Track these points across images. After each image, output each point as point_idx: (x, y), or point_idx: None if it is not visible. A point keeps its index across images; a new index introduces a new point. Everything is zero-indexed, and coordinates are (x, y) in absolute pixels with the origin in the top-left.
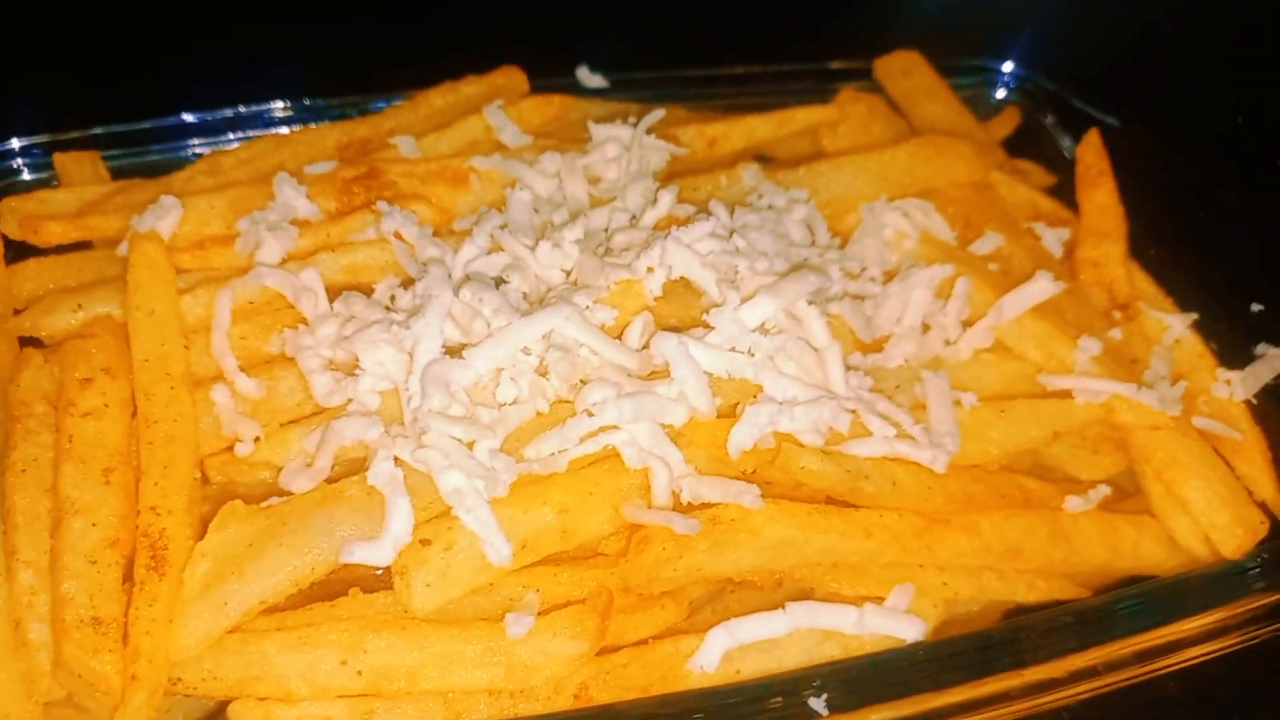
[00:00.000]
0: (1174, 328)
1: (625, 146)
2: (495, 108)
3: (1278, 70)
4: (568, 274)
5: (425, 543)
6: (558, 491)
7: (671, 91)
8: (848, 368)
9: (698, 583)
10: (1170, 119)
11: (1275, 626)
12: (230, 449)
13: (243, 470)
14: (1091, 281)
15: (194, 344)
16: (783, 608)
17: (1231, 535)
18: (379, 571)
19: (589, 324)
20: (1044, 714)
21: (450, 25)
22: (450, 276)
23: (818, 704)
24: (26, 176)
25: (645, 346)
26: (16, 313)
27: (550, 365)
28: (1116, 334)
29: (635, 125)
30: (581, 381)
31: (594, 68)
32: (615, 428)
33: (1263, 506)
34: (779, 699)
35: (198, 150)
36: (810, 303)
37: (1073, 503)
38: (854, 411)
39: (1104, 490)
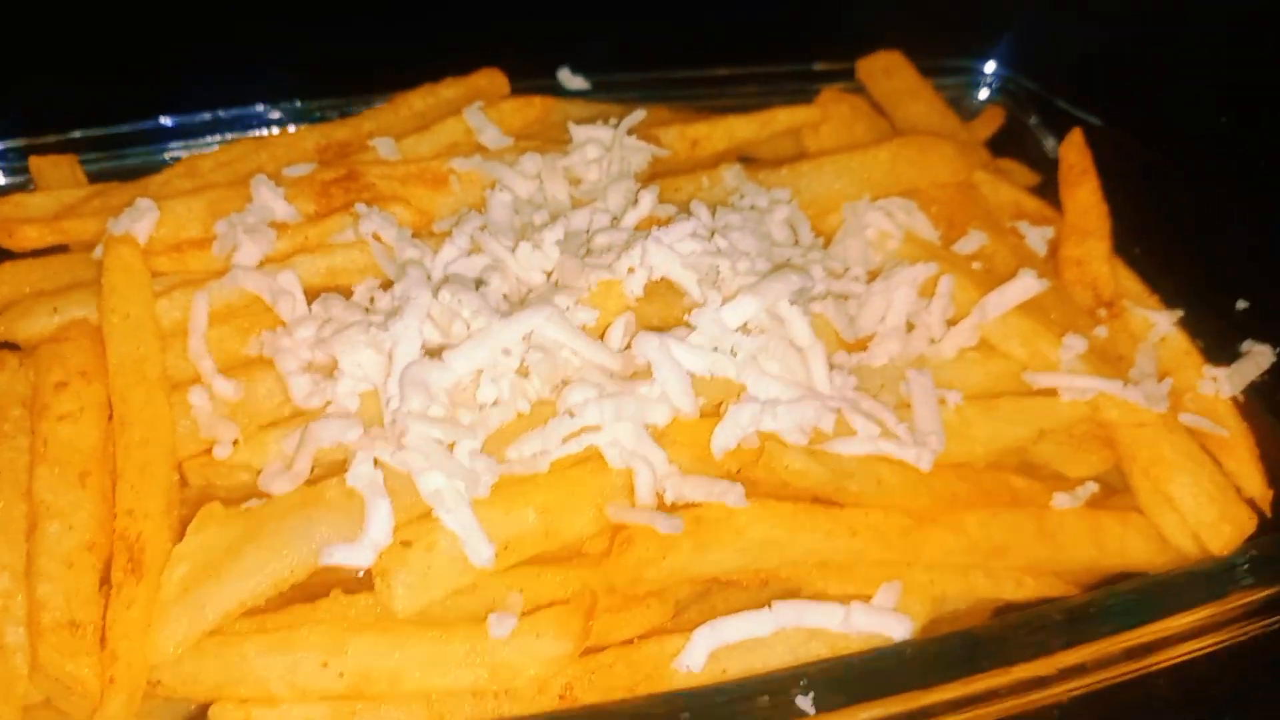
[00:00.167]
0: (1159, 325)
1: (606, 148)
2: (475, 109)
3: (1261, 69)
4: (548, 275)
5: (406, 544)
6: (540, 492)
7: (654, 93)
8: (832, 367)
9: (683, 583)
10: (1153, 118)
11: (1265, 623)
12: (209, 452)
13: (222, 473)
14: (1076, 280)
15: (171, 347)
16: (769, 607)
17: (1219, 532)
18: (360, 573)
19: (570, 325)
20: (1033, 712)
21: (436, 28)
22: (429, 278)
23: (805, 703)
24: (2, 180)
25: (627, 347)
26: None
27: (531, 366)
28: (1102, 332)
29: (616, 126)
30: (563, 382)
31: (576, 70)
32: (597, 428)
33: (1250, 503)
34: (766, 698)
35: (176, 154)
36: (793, 302)
37: (1060, 500)
38: (838, 411)
39: (1091, 488)
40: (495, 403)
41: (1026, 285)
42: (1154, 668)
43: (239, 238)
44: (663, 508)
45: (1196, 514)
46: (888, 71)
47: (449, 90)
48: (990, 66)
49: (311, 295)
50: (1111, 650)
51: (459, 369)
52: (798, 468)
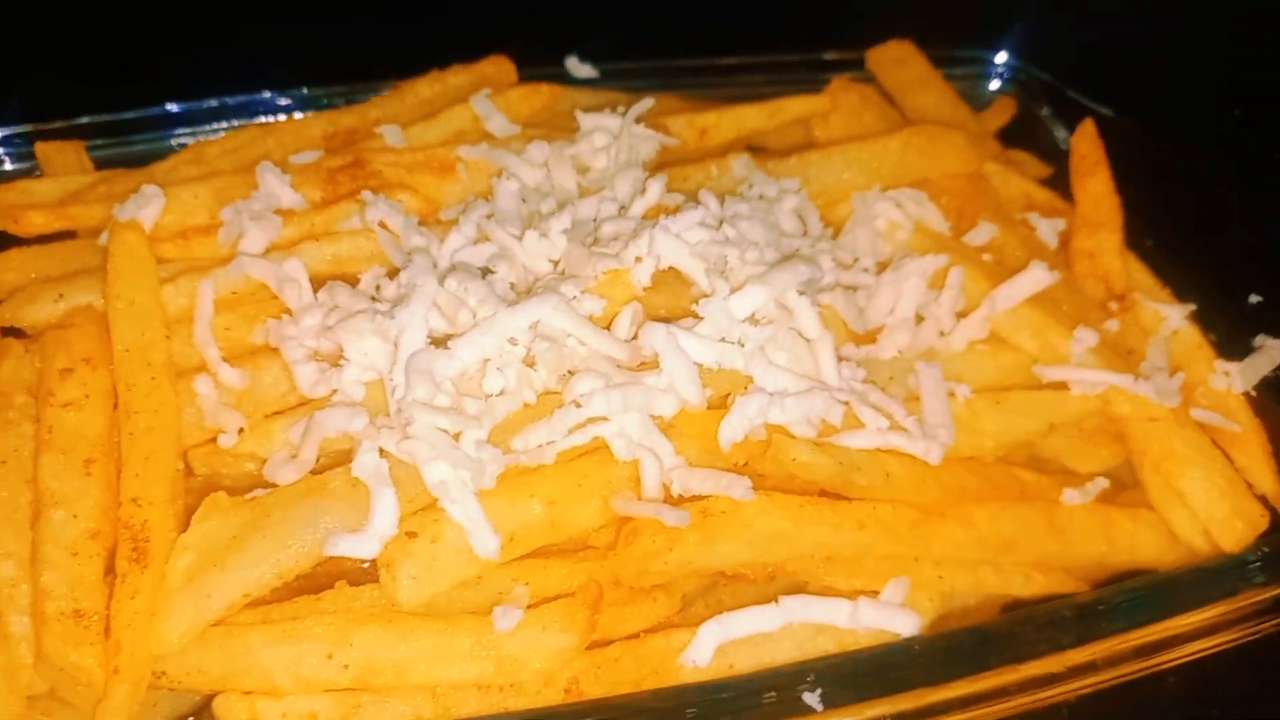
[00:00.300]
0: (1171, 319)
1: (614, 136)
2: (483, 97)
3: (1274, 62)
4: (555, 264)
5: (411, 535)
6: (546, 483)
7: (662, 81)
8: (840, 359)
9: (689, 576)
10: (1166, 109)
11: (1276, 621)
12: (214, 440)
13: (227, 462)
14: (1087, 272)
15: (177, 334)
16: (776, 601)
17: (1231, 528)
18: (366, 564)
19: (576, 314)
20: (1042, 709)
21: (444, 16)
22: (435, 266)
23: (812, 699)
24: (9, 166)
25: (634, 337)
26: None
27: (537, 356)
28: (1113, 325)
29: (624, 115)
30: (569, 372)
31: (584, 58)
32: (604, 419)
33: (1262, 499)
34: (773, 693)
35: (182, 140)
36: (801, 293)
37: (1070, 495)
38: (846, 403)
39: (1101, 483)
40: (501, 392)
41: (1037, 277)
42: (1164, 666)
43: (245, 225)
44: (669, 500)
45: (1208, 510)
46: (898, 61)
47: (456, 78)
48: (1002, 57)
49: (317, 283)
50: (1121, 648)
51: (465, 358)
52: (805, 460)
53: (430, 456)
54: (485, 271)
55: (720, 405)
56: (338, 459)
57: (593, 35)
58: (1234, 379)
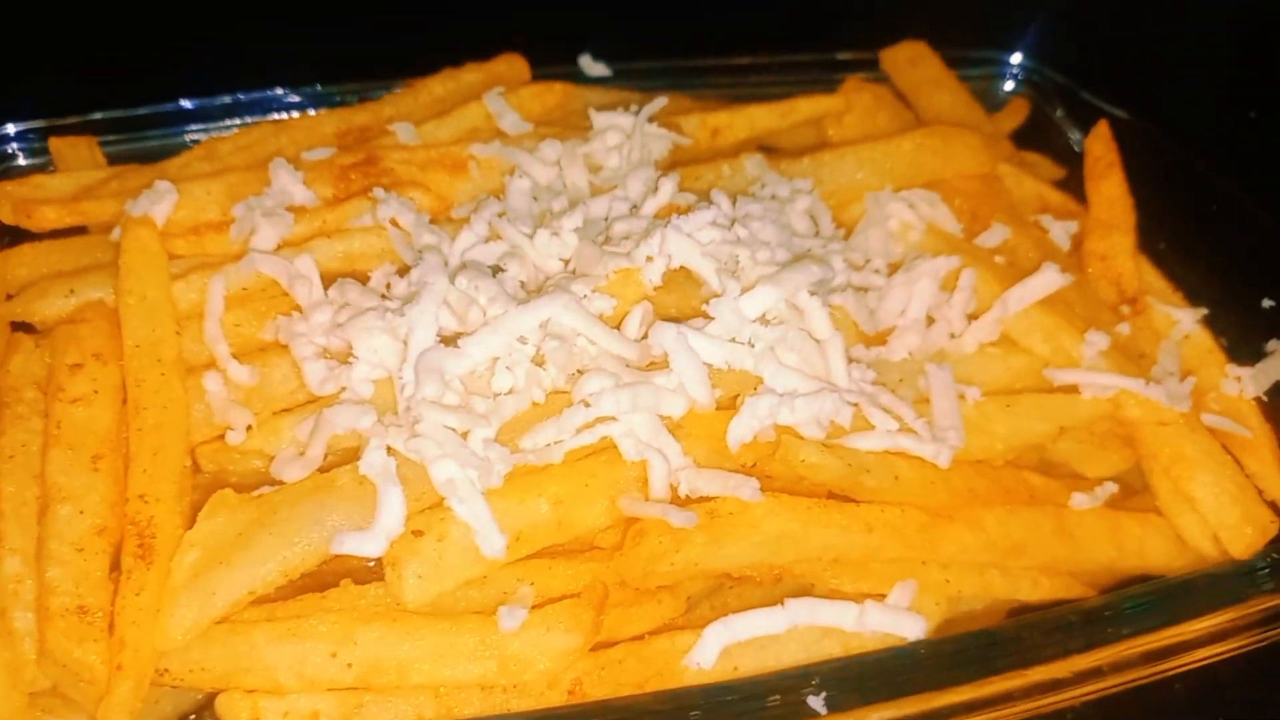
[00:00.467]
0: (1183, 323)
1: (627, 135)
2: (495, 95)
3: None
4: (566, 263)
5: (418, 534)
6: (553, 483)
7: (675, 81)
8: (850, 360)
9: (695, 577)
10: (1180, 112)
11: None
12: (222, 437)
13: (235, 459)
14: (1099, 275)
15: (187, 330)
16: (782, 604)
17: (1240, 534)
18: (371, 563)
19: (587, 313)
20: (1048, 715)
21: (456, 14)
22: (446, 264)
23: (817, 702)
24: (22, 161)
25: (644, 336)
26: (9, 298)
27: (547, 355)
28: (1125, 328)
29: (637, 114)
30: (579, 371)
31: (597, 57)
32: (613, 419)
33: (1272, 506)
34: (777, 697)
35: (195, 136)
36: (812, 293)
37: (1079, 500)
38: (856, 405)
39: (1111, 487)
40: (510, 391)
41: (1049, 280)
42: (1172, 672)
43: (257, 221)
44: (676, 501)
45: (1217, 515)
46: (912, 61)
47: (469, 75)
48: (1016, 58)
49: (328, 280)
50: (1129, 653)
51: (474, 356)
52: (814, 462)
53: (438, 455)
54: (496, 270)
55: (729, 406)
56: (345, 457)
57: (606, 34)
58: (1245, 384)
